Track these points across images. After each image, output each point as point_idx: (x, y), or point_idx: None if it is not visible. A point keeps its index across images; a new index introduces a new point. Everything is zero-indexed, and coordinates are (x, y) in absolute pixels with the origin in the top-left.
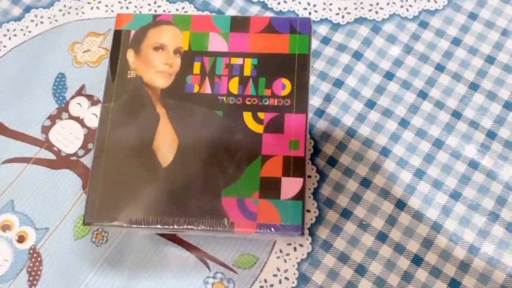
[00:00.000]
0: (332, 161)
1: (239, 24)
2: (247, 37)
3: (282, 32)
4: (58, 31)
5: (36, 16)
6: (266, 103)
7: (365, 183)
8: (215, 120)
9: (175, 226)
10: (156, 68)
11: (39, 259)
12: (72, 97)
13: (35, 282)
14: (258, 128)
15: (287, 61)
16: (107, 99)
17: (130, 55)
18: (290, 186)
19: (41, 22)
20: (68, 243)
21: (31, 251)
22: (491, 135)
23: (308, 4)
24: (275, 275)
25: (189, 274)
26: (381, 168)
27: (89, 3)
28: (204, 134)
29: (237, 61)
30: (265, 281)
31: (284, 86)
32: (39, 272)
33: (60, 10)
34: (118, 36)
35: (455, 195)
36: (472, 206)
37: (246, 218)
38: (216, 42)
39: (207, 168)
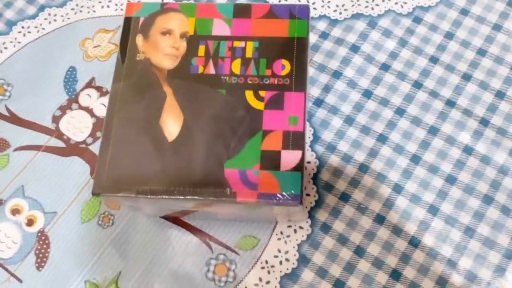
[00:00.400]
0: (331, 148)
1: (241, 10)
2: (249, 22)
3: (282, 18)
4: (70, 28)
5: (49, 14)
6: (267, 82)
7: (363, 168)
8: (218, 98)
9: (180, 196)
10: (163, 51)
11: (47, 241)
12: (82, 89)
13: (42, 264)
14: (259, 105)
15: (286, 44)
16: (117, 79)
17: (139, 39)
18: (290, 158)
19: (54, 20)
20: (75, 226)
21: (39, 234)
22: (484, 122)
23: (307, 1)
24: (276, 256)
25: (192, 256)
26: (378, 153)
27: (100, 2)
28: (208, 110)
29: (240, 44)
30: (266, 262)
31: (283, 67)
32: (46, 254)
33: (73, 9)
34: (128, 22)
35: (451, 179)
36: (467, 190)
37: (248, 188)
38: (220, 27)
39: (210, 142)
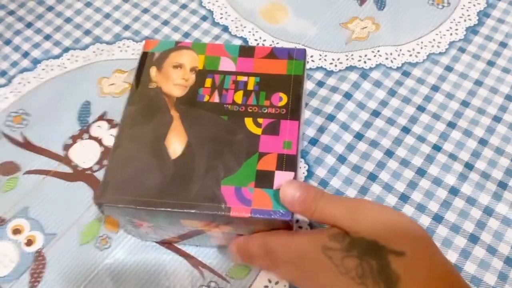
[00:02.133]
0: (324, 183)
1: (246, 51)
2: (252, 61)
3: (282, 58)
4: (90, 68)
5: (72, 55)
6: (265, 111)
7: None
8: (220, 123)
9: (178, 210)
10: (174, 81)
11: (43, 262)
12: (94, 121)
13: (36, 284)
14: (257, 131)
15: (284, 80)
16: (130, 103)
17: (153, 70)
18: (282, 178)
19: (76, 60)
20: (73, 248)
21: (36, 254)
22: (469, 166)
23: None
24: (266, 286)
25: (184, 282)
26: (368, 190)
27: (119, 47)
28: (210, 133)
29: (243, 78)
30: None
31: (281, 99)
32: (41, 275)
33: (94, 52)
34: (144, 56)
35: (437, 218)
36: (453, 229)
37: (242, 203)
38: (226, 64)
39: (210, 161)
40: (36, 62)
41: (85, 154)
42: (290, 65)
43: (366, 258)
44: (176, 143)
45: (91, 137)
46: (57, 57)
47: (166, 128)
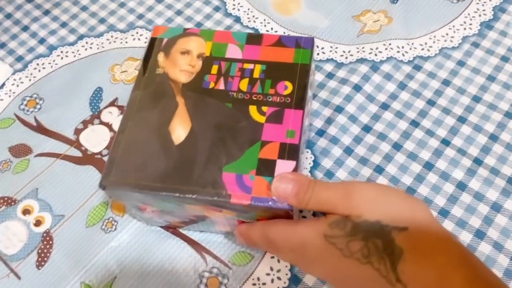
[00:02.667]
0: (329, 174)
1: (254, 38)
2: (259, 49)
3: (289, 47)
4: (103, 55)
5: (87, 43)
6: (270, 99)
7: None
8: (224, 110)
9: (179, 195)
10: (180, 67)
11: (50, 242)
12: (105, 107)
13: (42, 263)
14: (261, 119)
15: (291, 68)
16: (136, 88)
17: (161, 56)
18: (284, 167)
19: (90, 48)
20: (80, 229)
21: (44, 234)
22: (478, 162)
23: (317, 46)
24: (268, 274)
25: (187, 267)
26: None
27: (132, 35)
28: (214, 120)
29: (249, 66)
30: (258, 279)
31: (286, 87)
32: (48, 254)
33: (108, 39)
34: (153, 42)
35: (444, 212)
36: (459, 224)
37: (243, 191)
38: (233, 51)
39: (212, 148)
40: (51, 48)
41: (95, 139)
42: (297, 54)
43: (372, 239)
44: (180, 129)
45: (101, 123)
46: (72, 44)
47: (171, 114)
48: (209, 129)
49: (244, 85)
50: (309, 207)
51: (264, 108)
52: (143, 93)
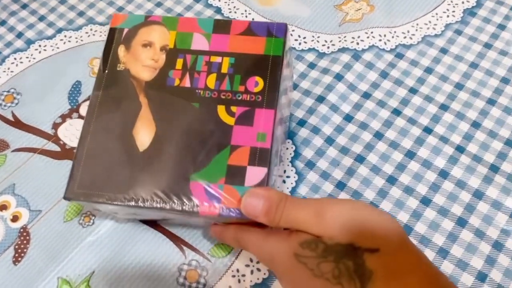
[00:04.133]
0: (310, 164)
1: (221, 26)
2: (227, 38)
3: (260, 35)
4: (82, 48)
5: (65, 36)
6: (239, 98)
7: (340, 185)
8: (191, 111)
9: (146, 205)
10: (143, 62)
11: (27, 237)
12: (84, 101)
13: (19, 259)
14: (230, 120)
15: (261, 61)
16: (97, 88)
17: (121, 50)
18: (255, 174)
19: (69, 41)
20: (57, 225)
21: (21, 230)
22: (460, 149)
23: (299, 36)
24: (247, 266)
25: (166, 260)
26: (356, 172)
27: None
28: (180, 122)
29: (216, 59)
30: (237, 271)
31: (257, 84)
32: (25, 250)
33: (87, 33)
34: (112, 33)
35: (425, 201)
36: (441, 212)
37: (211, 201)
38: (199, 42)
39: (178, 154)
40: (29, 42)
41: (74, 133)
42: (269, 44)
43: (343, 260)
44: (144, 134)
45: (80, 116)
46: (50, 38)
47: (134, 117)
48: (175, 133)
49: (211, 81)
50: (280, 225)
51: (234, 108)
52: (104, 94)
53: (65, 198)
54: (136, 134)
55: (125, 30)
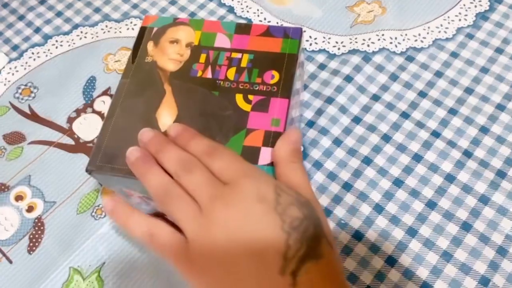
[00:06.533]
0: (318, 165)
1: (242, 28)
2: (247, 38)
3: (277, 37)
4: (97, 44)
5: (81, 32)
6: (256, 88)
7: (347, 186)
8: (211, 98)
9: None
10: (169, 56)
11: (42, 228)
12: (98, 96)
13: (34, 248)
14: (246, 107)
15: (278, 58)
16: (125, 76)
17: (150, 45)
18: (268, 155)
19: (85, 37)
20: (71, 216)
21: (36, 220)
22: (467, 154)
23: (310, 37)
24: None
25: None
26: (362, 174)
27: (126, 25)
28: (200, 108)
29: (237, 55)
30: None
31: (273, 76)
32: (39, 240)
33: (102, 29)
34: (143, 31)
35: (431, 204)
36: (446, 216)
37: None
38: (222, 40)
39: None
40: (47, 37)
41: (88, 127)
42: (285, 44)
43: (308, 223)
44: (166, 116)
45: (94, 111)
46: (67, 33)
47: (158, 101)
48: (195, 116)
49: (231, 74)
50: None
51: (250, 97)
52: (131, 81)
53: (87, 170)
54: (159, 116)
55: (155, 29)
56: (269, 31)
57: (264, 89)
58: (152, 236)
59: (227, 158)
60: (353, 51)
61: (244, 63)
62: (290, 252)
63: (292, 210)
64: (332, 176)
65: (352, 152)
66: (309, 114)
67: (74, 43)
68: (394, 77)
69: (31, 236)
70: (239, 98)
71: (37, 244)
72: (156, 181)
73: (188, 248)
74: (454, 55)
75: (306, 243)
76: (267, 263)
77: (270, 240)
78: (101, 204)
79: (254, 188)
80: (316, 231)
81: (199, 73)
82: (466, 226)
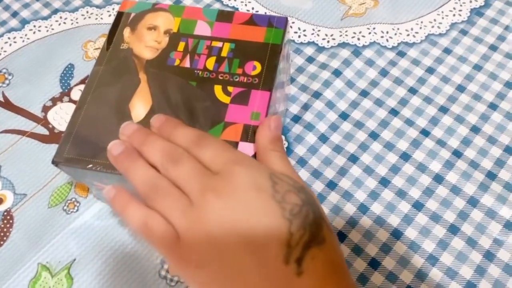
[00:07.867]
0: (302, 162)
1: (224, 16)
2: (229, 26)
3: (261, 25)
4: (77, 31)
5: (61, 17)
6: (237, 79)
7: (331, 185)
8: (188, 88)
9: None
10: (146, 43)
11: (11, 221)
12: (76, 84)
13: (1, 243)
14: (225, 99)
15: (261, 48)
16: (98, 63)
17: (127, 31)
18: (246, 150)
19: (64, 23)
20: (42, 210)
21: (5, 213)
22: (457, 154)
23: (299, 28)
24: None
25: (149, 252)
26: (348, 172)
27: (108, 11)
28: (176, 99)
29: (217, 44)
30: None
31: (254, 67)
32: (8, 234)
33: (83, 15)
34: (119, 16)
35: (418, 205)
36: (433, 218)
37: None
38: (202, 28)
39: None
40: (24, 22)
41: (63, 117)
42: (269, 33)
43: (308, 209)
44: (140, 107)
45: (71, 100)
46: (45, 18)
47: (132, 91)
48: (170, 107)
49: (210, 63)
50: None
51: (230, 88)
52: (105, 68)
53: (53, 162)
54: (132, 107)
55: (132, 14)
56: (252, 20)
57: (245, 80)
58: (146, 227)
59: (216, 146)
60: (343, 45)
61: (224, 53)
62: (294, 239)
63: (290, 196)
64: (316, 174)
65: (338, 149)
66: (295, 109)
67: (52, 29)
68: (384, 73)
69: None
70: (218, 89)
71: (5, 238)
72: (141, 176)
73: (179, 246)
74: (447, 51)
75: (308, 228)
76: (269, 253)
77: (271, 229)
78: (74, 198)
79: (249, 177)
80: (316, 215)
81: (177, 62)
82: (453, 229)
